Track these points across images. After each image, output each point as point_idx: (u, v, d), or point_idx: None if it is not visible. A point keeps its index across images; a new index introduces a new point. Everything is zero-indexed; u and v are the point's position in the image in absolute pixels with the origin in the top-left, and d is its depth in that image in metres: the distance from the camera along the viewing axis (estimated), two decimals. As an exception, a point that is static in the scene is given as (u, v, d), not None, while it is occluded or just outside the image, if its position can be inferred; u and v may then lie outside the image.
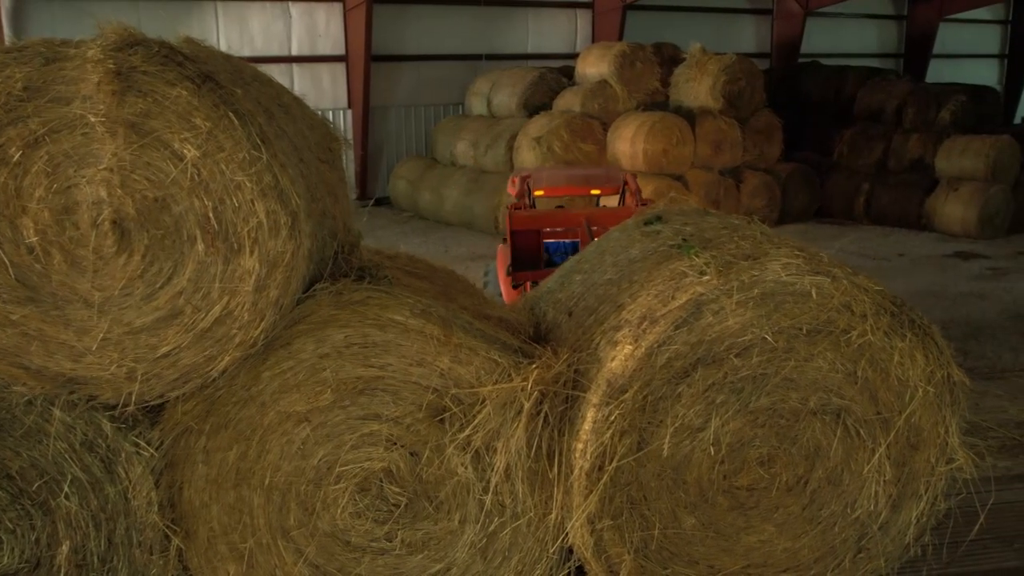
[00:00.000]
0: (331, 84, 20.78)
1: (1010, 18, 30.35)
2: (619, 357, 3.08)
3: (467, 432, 3.41)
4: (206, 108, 3.18)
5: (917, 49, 27.90)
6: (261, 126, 3.26)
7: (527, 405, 3.33)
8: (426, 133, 21.76)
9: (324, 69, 20.70)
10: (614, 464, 3.08)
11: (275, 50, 20.19)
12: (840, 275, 3.15)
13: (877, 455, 3.23)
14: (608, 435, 3.09)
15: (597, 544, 3.23)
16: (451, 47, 21.85)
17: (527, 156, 17.42)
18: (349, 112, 20.85)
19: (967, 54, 29.69)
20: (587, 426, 3.15)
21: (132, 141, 3.17)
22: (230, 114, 3.20)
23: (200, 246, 3.25)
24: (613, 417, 3.08)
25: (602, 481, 3.10)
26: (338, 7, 20.51)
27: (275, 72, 20.27)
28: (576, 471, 3.15)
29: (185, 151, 3.19)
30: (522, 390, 3.33)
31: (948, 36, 28.55)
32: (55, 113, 3.16)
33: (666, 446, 3.07)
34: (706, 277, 3.10)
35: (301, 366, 3.46)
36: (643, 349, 3.04)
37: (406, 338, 3.46)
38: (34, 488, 3.42)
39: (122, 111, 3.15)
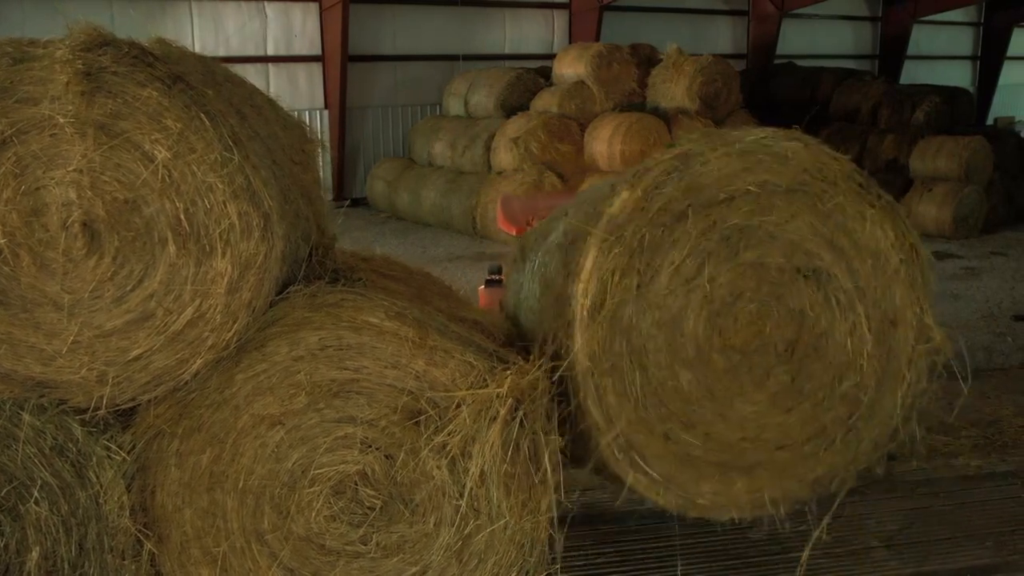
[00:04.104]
0: (307, 84, 20.70)
1: (982, 20, 30.68)
2: (618, 201, 3.26)
3: (442, 436, 3.39)
4: (177, 109, 3.15)
5: (891, 50, 28.17)
6: (233, 127, 3.23)
7: (502, 412, 3.31)
8: (403, 134, 21.72)
9: (300, 69, 20.62)
10: (616, 300, 3.23)
11: (251, 50, 20.08)
12: (811, 142, 3.39)
13: (857, 324, 3.42)
14: (608, 272, 3.22)
15: (597, 388, 3.28)
16: (428, 47, 21.82)
17: (504, 157, 17.43)
18: (326, 112, 20.78)
19: (940, 56, 29.99)
20: (588, 264, 3.24)
21: (102, 142, 3.13)
22: (201, 115, 3.16)
23: (171, 248, 3.22)
24: (613, 254, 3.22)
25: (602, 314, 3.22)
26: (314, 7, 20.43)
27: (251, 72, 20.29)
28: (577, 310, 3.24)
29: (156, 152, 3.15)
30: (498, 396, 3.32)
31: (922, 38, 28.85)
32: (23, 114, 3.12)
33: (663, 287, 3.27)
34: (693, 137, 3.40)
35: (275, 369, 3.43)
36: (639, 192, 3.24)
37: (381, 340, 3.44)
38: (3, 494, 3.37)
39: (91, 112, 3.11)
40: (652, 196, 3.25)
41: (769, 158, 3.32)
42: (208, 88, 3.33)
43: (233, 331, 3.27)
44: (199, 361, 3.28)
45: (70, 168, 3.15)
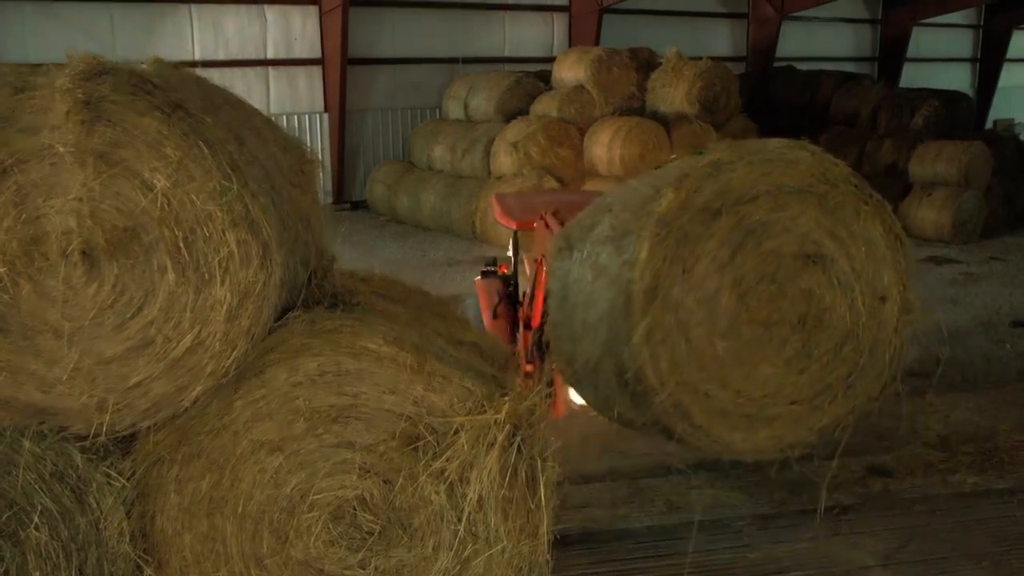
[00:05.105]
0: (307, 88, 20.70)
1: (982, 23, 30.67)
2: (665, 202, 3.89)
3: (440, 462, 3.41)
4: (176, 137, 3.16)
5: (891, 53, 28.16)
6: (231, 155, 3.25)
7: (500, 438, 3.33)
8: (403, 137, 21.70)
9: (300, 72, 20.62)
10: (666, 283, 3.88)
11: (250, 53, 20.07)
12: (816, 151, 4.12)
13: (854, 300, 4.11)
14: (660, 260, 3.85)
15: (652, 356, 3.87)
16: (428, 50, 21.82)
17: (504, 161, 17.43)
18: (326, 116, 20.79)
19: (940, 58, 29.98)
20: (644, 254, 3.85)
21: (101, 171, 3.14)
22: (200, 143, 3.17)
23: (171, 276, 3.23)
24: (663, 245, 3.86)
25: (656, 294, 3.85)
26: (314, 10, 20.42)
27: (250, 76, 20.30)
28: (635, 292, 3.85)
29: (155, 181, 3.16)
30: (495, 423, 3.34)
31: (922, 40, 28.83)
32: (24, 143, 3.13)
33: (702, 271, 3.93)
34: (721, 147, 4.11)
35: (274, 395, 3.44)
36: (683, 194, 3.89)
37: (379, 366, 3.45)
38: (3, 519, 3.38)
39: (91, 141, 3.12)
40: (692, 197, 3.90)
41: (783, 165, 4.01)
42: (207, 114, 3.34)
43: (232, 358, 3.29)
44: (198, 388, 3.30)
45: (70, 197, 3.16)
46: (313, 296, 3.74)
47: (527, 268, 8.72)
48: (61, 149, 3.12)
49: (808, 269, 4.05)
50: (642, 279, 3.85)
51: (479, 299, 8.66)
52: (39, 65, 3.21)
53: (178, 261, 3.22)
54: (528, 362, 7.58)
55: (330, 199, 20.85)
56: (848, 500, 4.88)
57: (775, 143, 4.14)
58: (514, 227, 8.19)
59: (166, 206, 3.18)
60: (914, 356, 10.71)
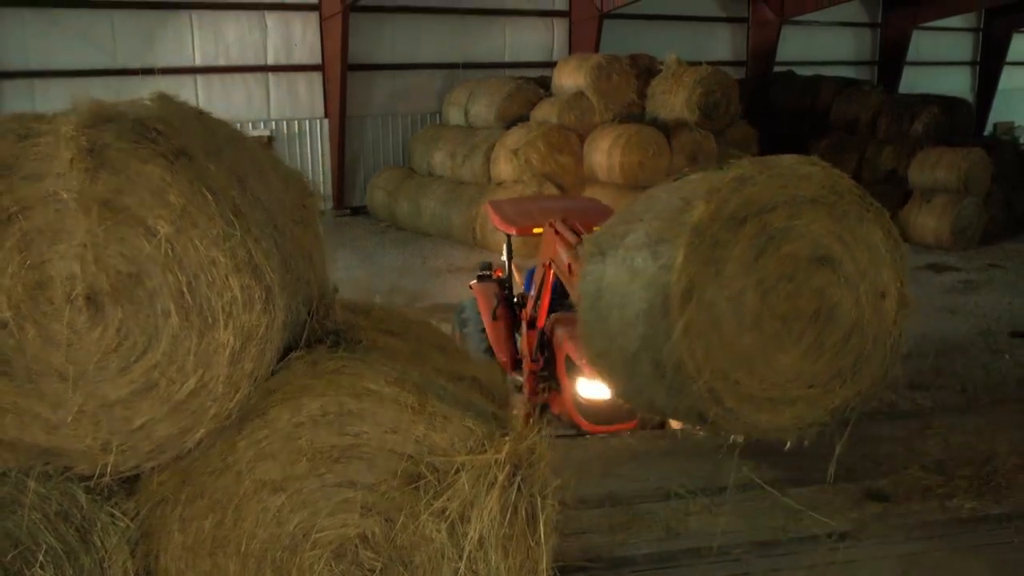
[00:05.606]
0: (307, 94, 20.74)
1: (981, 26, 30.69)
2: (697, 212, 4.29)
3: (441, 501, 3.45)
4: (180, 184, 3.19)
5: (891, 56, 28.20)
6: (234, 200, 3.28)
7: (501, 477, 3.37)
8: (403, 142, 21.75)
9: (300, 78, 20.67)
10: (700, 283, 4.29)
11: (251, 60, 20.12)
12: (825, 165, 4.59)
13: (859, 297, 4.60)
14: (695, 263, 4.26)
15: (690, 348, 4.28)
16: (428, 56, 21.86)
17: (504, 168, 17.48)
18: (326, 121, 20.84)
19: (940, 61, 30.02)
20: (681, 259, 4.24)
21: (105, 218, 3.17)
22: (204, 190, 3.21)
23: (174, 320, 3.26)
24: (698, 251, 4.26)
25: (692, 294, 4.27)
26: (314, 16, 20.47)
27: (251, 82, 20.33)
28: (673, 292, 4.26)
29: (159, 227, 3.20)
30: (496, 463, 3.38)
31: (922, 43, 28.87)
32: (28, 190, 3.16)
33: (731, 273, 4.35)
34: (744, 163, 4.53)
35: (277, 435, 3.48)
36: (713, 205, 4.29)
37: (381, 406, 3.49)
38: (9, 558, 3.42)
39: (95, 188, 3.15)
40: (721, 208, 4.31)
41: (797, 178, 4.48)
42: (210, 157, 3.38)
43: (235, 401, 3.32)
44: (202, 430, 3.33)
45: (74, 243, 3.20)
46: (315, 334, 3.77)
47: (516, 273, 9.03)
48: (65, 196, 3.16)
49: (820, 270, 4.52)
50: (679, 281, 4.26)
51: (477, 302, 8.91)
52: (42, 115, 3.24)
53: (182, 305, 3.26)
54: (533, 360, 7.80)
55: (330, 205, 20.88)
56: (845, 526, 4.90)
57: (789, 159, 4.62)
58: (514, 233, 8.45)
59: (170, 252, 3.22)
60: (913, 368, 10.70)
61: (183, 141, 3.32)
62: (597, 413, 7.11)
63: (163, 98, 3.75)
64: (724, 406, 4.43)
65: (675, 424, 7.15)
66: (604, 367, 5.14)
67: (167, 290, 3.25)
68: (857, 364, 4.65)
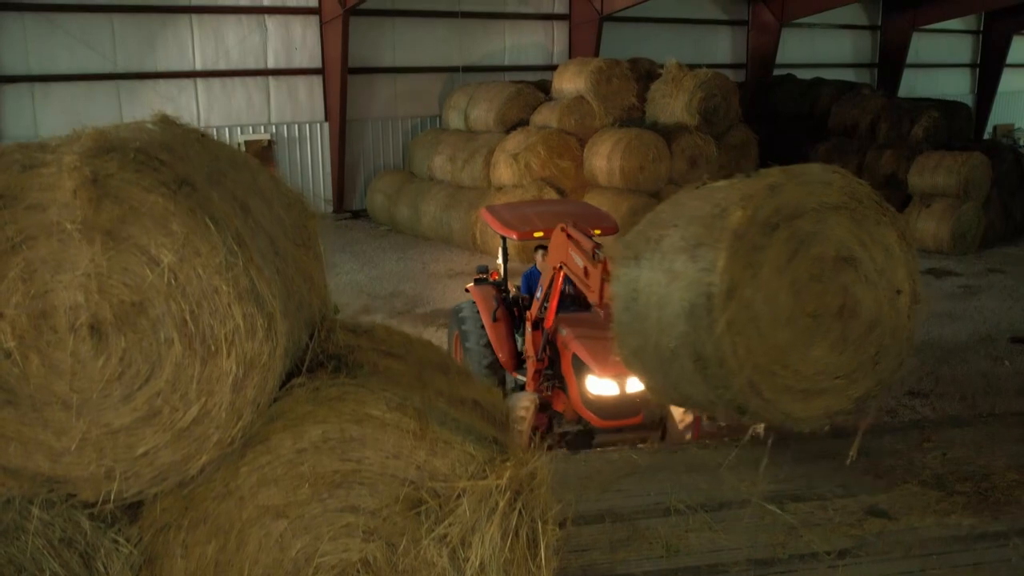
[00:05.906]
0: (308, 97, 20.76)
1: (981, 28, 30.69)
2: (734, 219, 4.60)
3: (443, 527, 3.47)
4: (182, 214, 3.20)
5: (891, 59, 28.20)
6: (237, 228, 3.29)
7: (502, 503, 3.39)
8: (403, 145, 21.76)
9: (300, 82, 20.68)
10: (740, 284, 4.59)
11: (251, 63, 20.13)
12: (846, 174, 4.93)
13: (878, 294, 4.97)
14: (735, 265, 4.56)
15: (732, 344, 4.58)
16: (428, 59, 21.87)
17: (504, 172, 17.49)
18: (326, 125, 20.85)
19: (940, 64, 30.02)
20: (722, 262, 4.54)
21: (108, 247, 3.19)
22: (206, 219, 3.22)
23: (177, 348, 3.28)
24: (738, 254, 4.56)
25: (733, 294, 4.57)
26: (314, 20, 20.49)
27: (251, 85, 20.33)
28: (716, 293, 4.55)
29: (162, 256, 3.21)
30: (497, 488, 3.39)
31: (921, 46, 28.88)
32: (32, 220, 3.17)
33: (767, 274, 4.68)
34: (773, 173, 4.85)
35: (279, 461, 3.50)
36: (750, 211, 4.61)
37: (383, 432, 3.51)
38: (12, 584, 3.44)
39: (98, 218, 3.16)
40: (757, 213, 4.63)
41: (822, 186, 4.85)
42: (212, 184, 3.40)
43: (238, 428, 3.34)
44: (204, 457, 3.34)
45: (78, 272, 3.21)
46: (316, 359, 3.79)
47: (502, 278, 9.23)
48: (69, 226, 3.16)
49: (844, 270, 4.89)
50: (722, 282, 4.55)
51: (476, 304, 9.23)
52: (45, 144, 3.26)
53: (184, 334, 3.27)
54: (538, 360, 7.94)
55: (330, 208, 20.90)
56: (845, 544, 4.92)
57: (814, 168, 5.01)
58: (515, 237, 8.71)
59: (172, 281, 3.23)
60: (914, 375, 10.71)
61: (185, 169, 3.34)
62: (604, 409, 7.48)
63: (165, 121, 3.77)
64: (763, 398, 4.74)
65: (677, 417, 7.34)
66: (639, 364, 5.41)
67: (170, 319, 3.27)
68: (877, 356, 5.01)
